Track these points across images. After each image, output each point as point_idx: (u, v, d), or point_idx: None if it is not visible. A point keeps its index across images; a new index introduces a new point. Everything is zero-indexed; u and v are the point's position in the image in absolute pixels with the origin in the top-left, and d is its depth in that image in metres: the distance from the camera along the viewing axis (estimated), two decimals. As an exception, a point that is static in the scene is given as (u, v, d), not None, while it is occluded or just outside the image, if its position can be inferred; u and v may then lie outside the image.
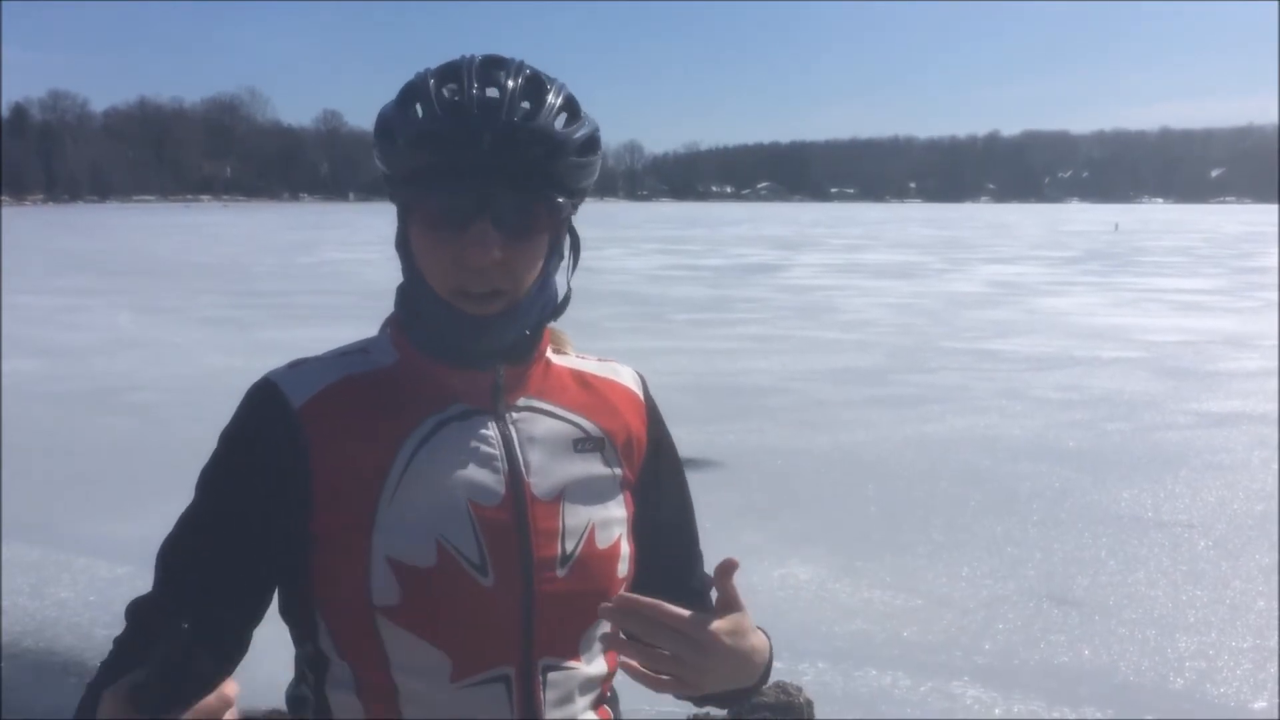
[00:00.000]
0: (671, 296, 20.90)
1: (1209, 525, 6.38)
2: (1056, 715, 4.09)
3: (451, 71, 1.13)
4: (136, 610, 1.13)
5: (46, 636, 4.80)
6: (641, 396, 1.30)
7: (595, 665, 1.20)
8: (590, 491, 1.19)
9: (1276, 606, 5.09)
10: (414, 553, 1.09)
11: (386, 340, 1.21)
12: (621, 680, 1.21)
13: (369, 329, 1.26)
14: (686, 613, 1.09)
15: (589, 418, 1.23)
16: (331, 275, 26.49)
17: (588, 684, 1.19)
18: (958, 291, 22.25)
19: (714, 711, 3.19)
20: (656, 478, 1.29)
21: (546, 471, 1.17)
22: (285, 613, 1.19)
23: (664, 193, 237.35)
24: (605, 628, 1.19)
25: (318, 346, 1.26)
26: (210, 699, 0.91)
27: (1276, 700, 4.20)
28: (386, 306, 1.23)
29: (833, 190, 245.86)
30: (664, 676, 1.11)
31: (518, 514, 1.14)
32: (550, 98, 1.12)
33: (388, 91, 1.17)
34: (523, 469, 1.16)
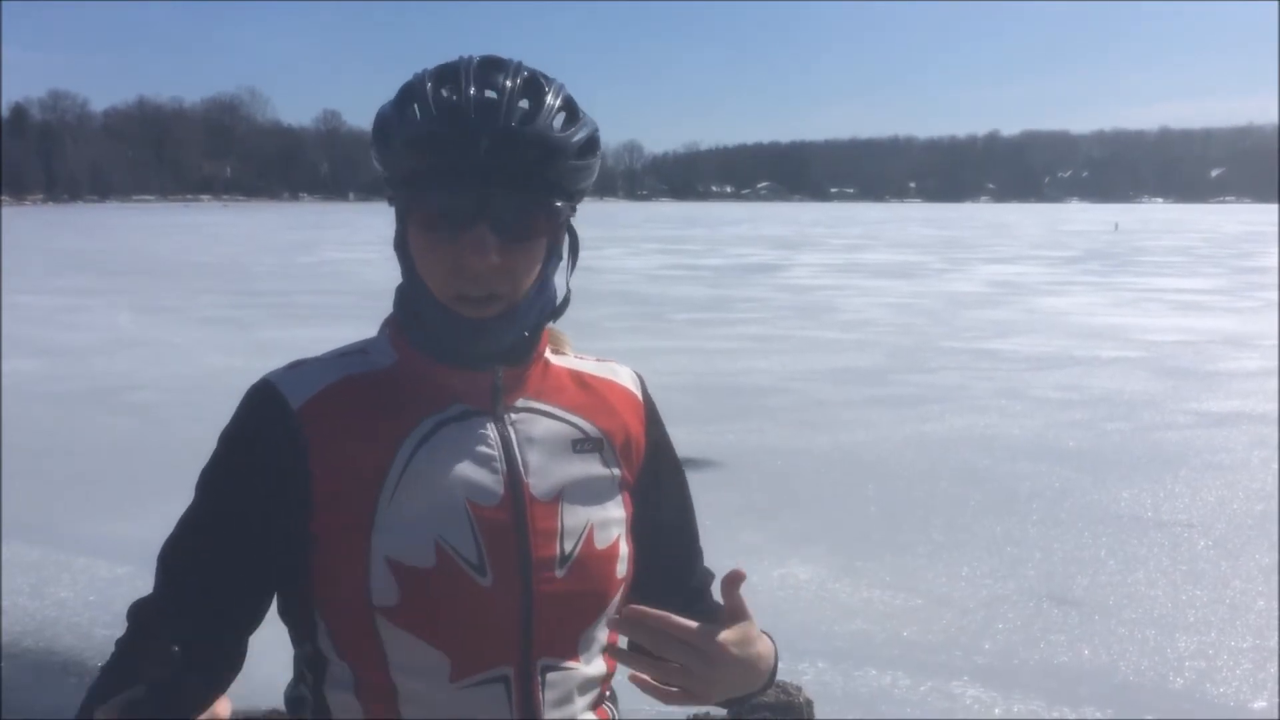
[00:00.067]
0: (671, 296, 20.90)
1: (1209, 525, 6.38)
2: (1056, 715, 4.09)
3: (449, 73, 1.13)
4: (138, 612, 1.13)
5: (46, 636, 4.80)
6: (640, 396, 1.30)
7: (594, 665, 1.20)
8: (589, 492, 1.19)
9: (1276, 606, 5.09)
10: (413, 553, 1.09)
11: (385, 341, 1.21)
12: (620, 680, 1.21)
13: (369, 329, 1.26)
14: (694, 624, 1.10)
15: (587, 418, 1.23)
16: (331, 275, 26.49)
17: (586, 684, 1.19)
18: (957, 291, 22.26)
19: (714, 711, 3.18)
20: (655, 478, 1.29)
21: (545, 472, 1.17)
22: (284, 613, 1.19)
23: (664, 192, 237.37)
24: (604, 628, 1.20)
25: (318, 346, 1.26)
26: (202, 718, 0.91)
27: (1276, 700, 4.20)
28: (386, 306, 1.23)
29: (832, 190, 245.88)
30: (673, 689, 1.11)
31: (516, 514, 1.14)
32: (549, 99, 1.12)
33: (387, 91, 1.16)
34: (521, 469, 1.15)
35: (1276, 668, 4.45)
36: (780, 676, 1.27)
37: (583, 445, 1.21)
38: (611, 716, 1.26)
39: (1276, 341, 13.89)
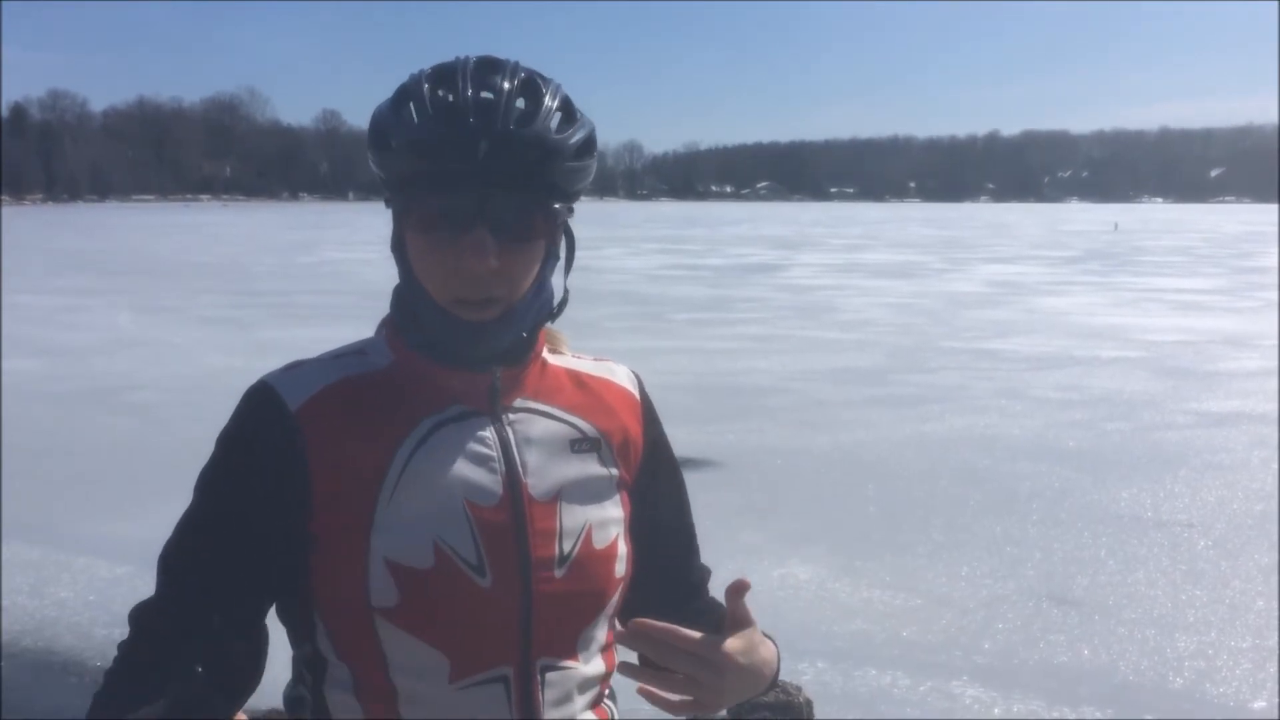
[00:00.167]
0: (671, 296, 20.90)
1: (1209, 525, 6.38)
2: (1056, 715, 4.09)
3: (446, 74, 1.12)
4: (140, 616, 1.12)
5: (46, 636, 4.79)
6: (637, 396, 1.31)
7: (593, 665, 1.20)
8: (587, 492, 1.19)
9: (1276, 606, 5.09)
10: (412, 554, 1.09)
11: (382, 342, 1.21)
12: (620, 680, 1.21)
13: (369, 329, 1.26)
14: (700, 635, 1.11)
15: (585, 418, 1.23)
16: (331, 275, 26.48)
17: (586, 683, 1.19)
18: (957, 291, 22.25)
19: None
20: (653, 477, 1.29)
21: (544, 472, 1.17)
22: (283, 614, 1.18)
23: (664, 192, 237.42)
24: (603, 627, 1.20)
25: (318, 346, 1.26)
26: None
27: (1276, 700, 4.20)
28: (386, 307, 1.23)
29: (832, 190, 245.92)
30: (681, 699, 1.12)
31: (515, 515, 1.14)
32: (546, 100, 1.12)
33: (387, 91, 1.16)
34: (520, 470, 1.16)
35: (1276, 668, 4.45)
36: (780, 676, 1.28)
37: (581, 445, 1.21)
38: (611, 716, 1.26)
39: (1276, 341, 13.89)
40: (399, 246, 1.17)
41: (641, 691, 1.14)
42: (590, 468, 1.21)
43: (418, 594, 1.09)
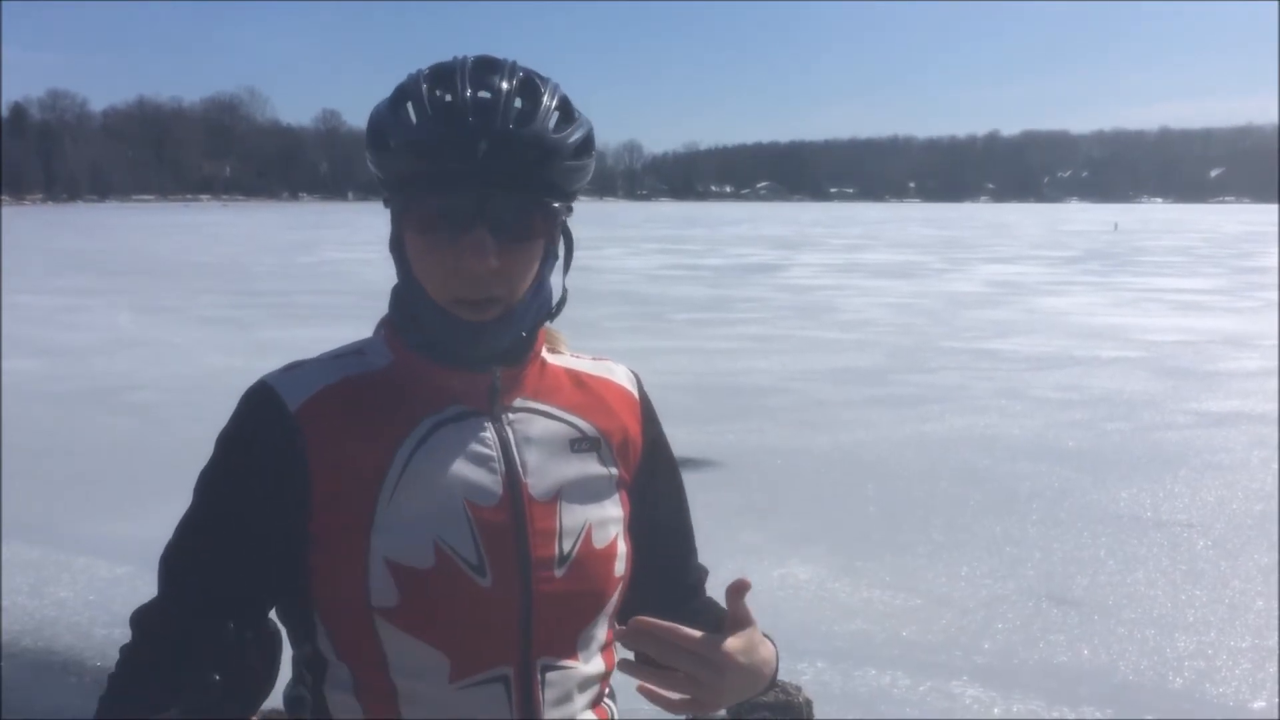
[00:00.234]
0: (671, 296, 20.90)
1: (1209, 525, 6.38)
2: (1056, 715, 4.09)
3: (444, 74, 1.12)
4: (142, 619, 1.12)
5: (46, 636, 4.79)
6: (636, 395, 1.31)
7: (593, 664, 1.20)
8: (587, 491, 1.19)
9: (1276, 606, 5.09)
10: (412, 554, 1.09)
11: (381, 342, 1.21)
12: (620, 679, 1.21)
13: (369, 329, 1.26)
14: (700, 634, 1.12)
15: (585, 417, 1.23)
16: (331, 275, 26.48)
17: (586, 683, 1.19)
18: (957, 291, 22.25)
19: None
20: (652, 476, 1.29)
21: (543, 472, 1.17)
22: (283, 614, 1.19)
23: (663, 192, 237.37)
24: (603, 626, 1.20)
25: (318, 346, 1.26)
26: None
27: (1276, 700, 4.19)
28: (386, 306, 1.23)
29: (832, 190, 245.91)
30: (681, 698, 1.12)
31: (515, 514, 1.14)
32: (545, 100, 1.12)
33: (387, 91, 1.15)
34: (520, 469, 1.16)
35: (1276, 668, 4.45)
36: (780, 676, 1.28)
37: (580, 445, 1.21)
38: (611, 715, 1.26)
39: (1276, 341, 13.89)
40: (398, 246, 1.17)
41: (641, 689, 1.14)
42: (590, 467, 1.21)
43: (418, 594, 1.09)
